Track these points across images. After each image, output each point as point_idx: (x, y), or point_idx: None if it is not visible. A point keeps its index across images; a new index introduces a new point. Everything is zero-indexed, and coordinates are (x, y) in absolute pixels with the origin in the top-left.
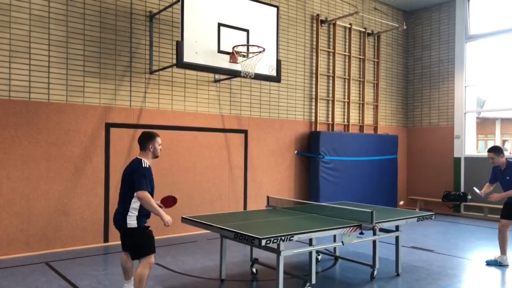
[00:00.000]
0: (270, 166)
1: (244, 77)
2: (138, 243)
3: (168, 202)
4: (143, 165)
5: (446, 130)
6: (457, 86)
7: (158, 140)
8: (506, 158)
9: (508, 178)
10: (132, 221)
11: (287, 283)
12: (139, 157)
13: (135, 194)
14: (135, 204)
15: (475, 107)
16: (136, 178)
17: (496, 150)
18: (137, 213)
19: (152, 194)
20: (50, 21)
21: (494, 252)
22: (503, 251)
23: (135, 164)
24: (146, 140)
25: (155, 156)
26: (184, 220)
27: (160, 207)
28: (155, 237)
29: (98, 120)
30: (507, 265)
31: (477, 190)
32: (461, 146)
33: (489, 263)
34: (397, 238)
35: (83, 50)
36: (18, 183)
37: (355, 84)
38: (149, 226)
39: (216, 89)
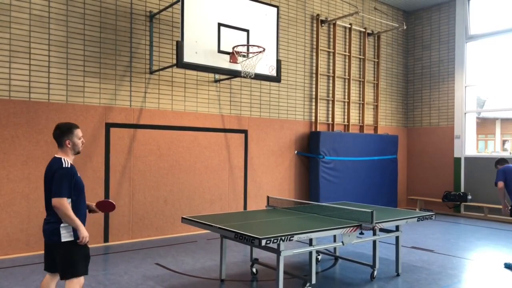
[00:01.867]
0: (270, 166)
1: (244, 77)
2: (72, 259)
3: (104, 206)
4: (63, 165)
5: (446, 130)
6: (457, 86)
7: (77, 132)
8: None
9: None
10: (66, 232)
11: (287, 283)
12: (57, 156)
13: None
14: None
15: (475, 107)
16: (54, 182)
17: (495, 162)
18: None
19: (81, 197)
20: (50, 21)
21: (495, 252)
22: None
23: (54, 165)
24: (61, 134)
25: (76, 152)
26: (184, 220)
27: (94, 211)
28: (155, 237)
29: (98, 120)
30: None
31: None
32: (461, 146)
33: (508, 266)
34: (397, 238)
35: (83, 50)
36: (18, 183)
37: (355, 84)
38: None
39: (216, 89)
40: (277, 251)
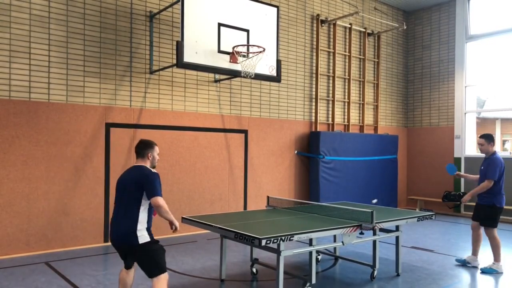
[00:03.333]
0: (270, 166)
1: (244, 77)
2: (156, 259)
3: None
4: (152, 170)
5: (446, 130)
6: (457, 86)
7: (157, 149)
8: (495, 152)
9: (482, 168)
10: (144, 234)
11: (287, 283)
12: (139, 164)
13: (150, 202)
14: (142, 216)
15: (475, 107)
16: (150, 184)
17: (487, 137)
18: (146, 225)
19: None
20: (50, 21)
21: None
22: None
23: (143, 170)
24: (145, 147)
25: (153, 166)
26: (184, 220)
27: None
28: (155, 237)
29: (98, 120)
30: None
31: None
32: (461, 146)
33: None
34: (397, 238)
35: (83, 50)
36: (18, 183)
37: (355, 84)
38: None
39: (216, 89)
40: (277, 251)
